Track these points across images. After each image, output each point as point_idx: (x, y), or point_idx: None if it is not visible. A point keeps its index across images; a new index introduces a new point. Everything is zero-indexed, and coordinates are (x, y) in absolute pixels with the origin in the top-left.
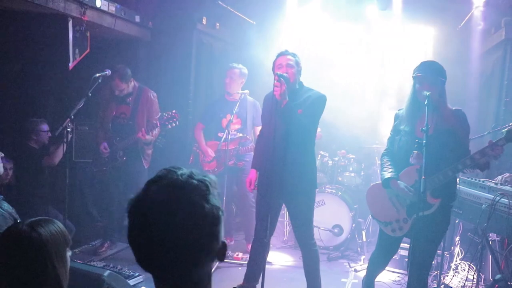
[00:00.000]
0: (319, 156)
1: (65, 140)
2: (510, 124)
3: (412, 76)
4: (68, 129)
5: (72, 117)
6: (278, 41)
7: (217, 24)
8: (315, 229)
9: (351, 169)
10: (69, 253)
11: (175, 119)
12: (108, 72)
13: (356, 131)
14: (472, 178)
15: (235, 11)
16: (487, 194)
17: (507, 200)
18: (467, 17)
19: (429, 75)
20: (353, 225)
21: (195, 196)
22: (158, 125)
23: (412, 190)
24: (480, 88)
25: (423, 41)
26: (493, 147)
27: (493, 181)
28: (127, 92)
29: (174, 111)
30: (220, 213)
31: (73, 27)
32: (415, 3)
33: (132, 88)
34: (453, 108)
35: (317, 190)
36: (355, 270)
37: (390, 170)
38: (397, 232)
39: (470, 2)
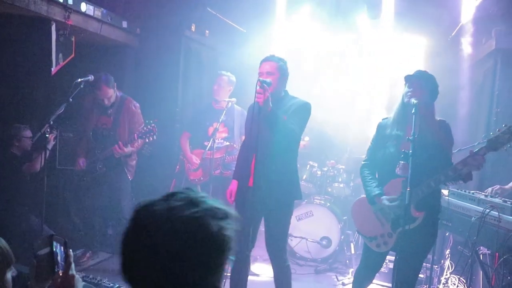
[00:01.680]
0: (308, 166)
1: (48, 146)
2: (498, 130)
3: (404, 79)
4: (47, 135)
5: (51, 122)
6: (268, 49)
7: (207, 31)
8: (303, 241)
9: (340, 179)
10: (11, 274)
11: (152, 133)
12: (90, 77)
13: (346, 141)
14: (462, 190)
15: (225, 18)
16: (476, 207)
17: (497, 213)
18: (458, 27)
19: (422, 80)
20: (342, 237)
21: (208, 217)
22: (136, 139)
23: (395, 199)
24: (471, 99)
25: (414, 51)
26: (474, 157)
27: (483, 193)
28: (113, 100)
29: (153, 124)
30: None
31: (57, 31)
32: (406, 12)
33: (114, 98)
34: (438, 119)
35: (305, 201)
36: (343, 284)
37: (375, 185)
38: (382, 247)
39: (461, 12)
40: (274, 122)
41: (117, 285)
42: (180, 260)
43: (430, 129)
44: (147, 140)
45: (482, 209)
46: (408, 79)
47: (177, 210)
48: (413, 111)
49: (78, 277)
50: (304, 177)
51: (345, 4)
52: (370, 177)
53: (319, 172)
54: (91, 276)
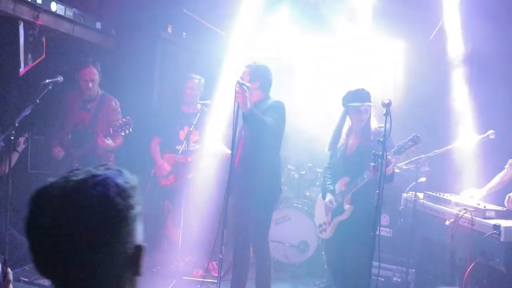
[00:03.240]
0: (286, 169)
1: (18, 149)
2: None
3: (350, 106)
4: (12, 138)
5: (17, 124)
6: (248, 52)
7: (184, 33)
8: (280, 245)
9: (318, 183)
10: None
11: (128, 126)
12: (59, 78)
13: (323, 144)
14: (437, 193)
15: (203, 20)
16: (450, 210)
17: (470, 216)
18: (435, 30)
19: (362, 98)
20: (319, 241)
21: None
22: (111, 132)
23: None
24: (451, 101)
25: (392, 54)
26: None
27: (457, 196)
28: (96, 90)
29: (128, 117)
30: (132, 212)
31: (25, 31)
32: (384, 15)
33: (97, 88)
34: (376, 127)
35: (283, 205)
36: None
37: (329, 183)
38: (323, 234)
39: (438, 14)
40: (251, 120)
41: None
42: (86, 240)
43: (366, 136)
44: (122, 134)
45: (456, 212)
46: (356, 107)
47: (80, 187)
48: (384, 112)
49: None
50: (281, 181)
51: (323, 6)
52: (329, 177)
53: (296, 176)
54: None
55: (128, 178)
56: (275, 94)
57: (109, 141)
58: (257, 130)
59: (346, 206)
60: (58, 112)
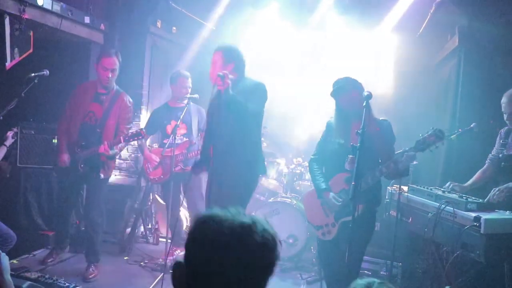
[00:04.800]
0: (275, 163)
1: (6, 143)
2: (426, 132)
3: (331, 94)
4: None
5: (1, 118)
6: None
7: (174, 28)
8: None
9: (307, 177)
10: None
11: (140, 137)
12: (45, 72)
13: (312, 138)
14: (421, 186)
15: (193, 15)
16: (433, 202)
17: (452, 208)
18: (424, 24)
19: (347, 86)
20: (308, 234)
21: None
22: (122, 142)
23: (340, 200)
24: (438, 96)
25: (383, 48)
26: (403, 155)
27: (441, 189)
28: (112, 83)
29: (142, 128)
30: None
31: (11, 25)
32: (374, 8)
33: (112, 87)
34: (380, 118)
35: (272, 198)
36: (307, 282)
37: (322, 180)
38: (326, 236)
39: (427, 9)
40: (232, 104)
41: (73, 285)
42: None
43: (371, 127)
44: (124, 144)
45: (438, 204)
46: (335, 92)
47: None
48: (364, 103)
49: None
50: (271, 175)
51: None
52: (318, 172)
53: (285, 170)
54: (47, 276)
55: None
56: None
57: (113, 151)
58: (239, 116)
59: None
60: (64, 104)
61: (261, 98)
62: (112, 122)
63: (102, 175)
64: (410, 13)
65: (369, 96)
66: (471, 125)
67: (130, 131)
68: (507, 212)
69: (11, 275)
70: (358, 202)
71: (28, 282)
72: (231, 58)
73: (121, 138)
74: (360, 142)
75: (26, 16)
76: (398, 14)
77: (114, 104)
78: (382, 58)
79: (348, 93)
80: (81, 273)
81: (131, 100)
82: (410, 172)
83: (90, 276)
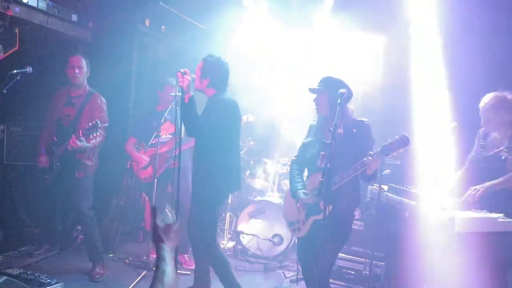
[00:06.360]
0: (262, 163)
1: None
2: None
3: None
4: None
5: None
6: (228, 47)
7: (163, 27)
8: (254, 238)
9: None
10: None
11: (95, 129)
12: (28, 69)
13: (299, 138)
14: (399, 185)
15: (182, 14)
16: (411, 202)
17: (428, 207)
18: (412, 25)
19: (317, 90)
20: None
21: None
22: (81, 135)
23: (307, 193)
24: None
25: (373, 49)
26: (370, 158)
27: (420, 189)
28: (83, 80)
29: (97, 120)
30: None
31: None
32: (365, 10)
33: (83, 90)
34: (358, 119)
35: (257, 198)
36: (290, 281)
37: (299, 181)
38: (297, 232)
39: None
40: (182, 107)
41: (55, 281)
42: None
43: (345, 126)
44: (91, 137)
45: (414, 204)
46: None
47: None
48: (338, 101)
49: None
50: (257, 174)
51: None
52: (297, 173)
53: (272, 169)
54: (29, 272)
55: None
56: (255, 89)
57: (81, 143)
58: (188, 125)
59: (323, 207)
60: (46, 109)
61: (217, 113)
62: (85, 122)
63: (76, 174)
64: (399, 14)
65: (342, 94)
66: (452, 125)
67: (88, 124)
68: (484, 211)
69: None
70: (328, 201)
71: (5, 277)
72: (207, 73)
73: (80, 131)
74: (331, 139)
75: (10, 13)
76: (388, 15)
77: (87, 104)
78: (371, 60)
79: (317, 96)
80: (87, 271)
81: (103, 99)
82: (389, 170)
83: (97, 276)
